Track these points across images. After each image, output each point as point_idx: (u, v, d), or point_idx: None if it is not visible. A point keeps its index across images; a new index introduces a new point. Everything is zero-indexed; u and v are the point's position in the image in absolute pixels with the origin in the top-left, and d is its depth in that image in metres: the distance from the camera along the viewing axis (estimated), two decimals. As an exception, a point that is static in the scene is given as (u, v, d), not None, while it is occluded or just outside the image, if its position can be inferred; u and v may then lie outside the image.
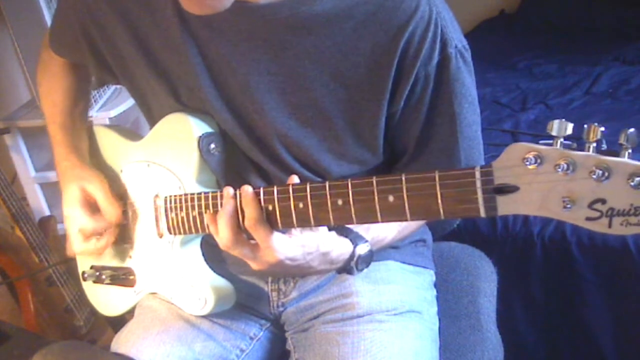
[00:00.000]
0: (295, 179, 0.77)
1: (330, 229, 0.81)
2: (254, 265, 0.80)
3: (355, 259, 0.83)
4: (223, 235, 0.78)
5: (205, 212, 0.85)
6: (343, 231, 0.84)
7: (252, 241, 0.79)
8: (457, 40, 0.84)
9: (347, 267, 0.85)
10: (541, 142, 0.58)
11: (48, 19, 1.79)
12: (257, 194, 0.77)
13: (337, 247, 0.82)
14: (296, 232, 0.78)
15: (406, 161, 0.92)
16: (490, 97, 2.21)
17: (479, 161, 0.91)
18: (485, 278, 1.15)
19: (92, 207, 0.99)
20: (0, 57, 2.10)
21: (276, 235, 0.77)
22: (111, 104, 1.98)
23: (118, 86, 1.97)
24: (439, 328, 1.00)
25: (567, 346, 1.56)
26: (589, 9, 2.91)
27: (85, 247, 0.99)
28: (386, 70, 0.83)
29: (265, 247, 0.77)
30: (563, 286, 1.51)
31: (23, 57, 1.86)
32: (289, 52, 0.84)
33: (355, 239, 0.84)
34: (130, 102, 1.97)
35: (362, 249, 0.84)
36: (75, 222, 0.99)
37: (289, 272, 0.89)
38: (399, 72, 0.83)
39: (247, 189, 0.77)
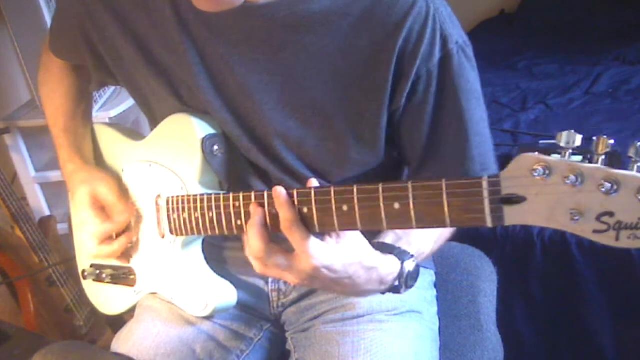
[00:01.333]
0: (314, 182, 0.74)
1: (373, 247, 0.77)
2: (291, 277, 0.74)
3: (404, 276, 0.79)
4: (255, 246, 0.74)
5: (208, 214, 0.84)
6: (386, 248, 0.79)
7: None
8: (458, 36, 0.83)
9: (395, 285, 0.80)
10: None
11: (48, 19, 1.79)
12: (291, 195, 0.73)
13: (385, 264, 0.77)
14: (331, 241, 0.74)
15: (417, 165, 0.89)
16: (490, 97, 2.22)
17: (491, 158, 0.89)
18: (485, 278, 1.15)
19: (103, 210, 0.98)
20: (0, 57, 2.10)
21: (313, 239, 0.72)
22: (111, 104, 1.98)
23: (118, 86, 1.97)
24: (439, 328, 1.00)
25: (567, 346, 1.56)
26: (589, 9, 2.91)
27: (99, 251, 0.98)
28: (385, 68, 0.82)
29: (301, 252, 0.72)
30: (563, 286, 1.51)
31: (23, 57, 1.86)
32: (288, 51, 0.83)
33: (401, 254, 0.79)
34: (130, 102, 1.97)
35: (410, 265, 0.79)
36: (87, 226, 0.98)
37: (330, 287, 0.77)
38: (399, 70, 0.82)
39: (281, 191, 0.73)
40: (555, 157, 0.56)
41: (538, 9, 3.08)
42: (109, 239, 0.98)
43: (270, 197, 0.74)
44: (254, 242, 0.74)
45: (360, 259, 0.74)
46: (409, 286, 0.80)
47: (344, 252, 0.73)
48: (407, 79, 0.82)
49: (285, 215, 0.72)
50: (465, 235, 1.50)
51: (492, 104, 2.16)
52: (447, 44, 0.82)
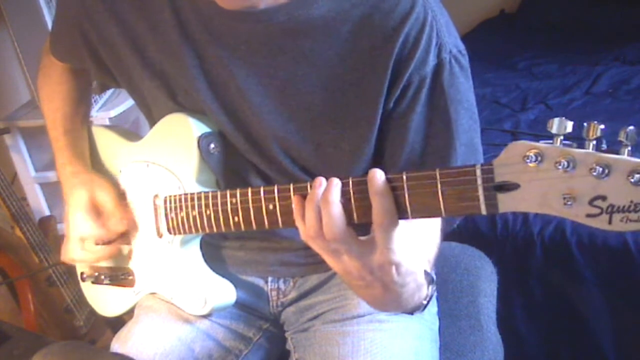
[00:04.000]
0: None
1: None
2: (349, 265, 0.68)
3: (428, 299, 0.76)
4: (333, 228, 0.65)
5: (206, 212, 0.84)
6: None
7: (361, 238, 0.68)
8: (452, 44, 0.83)
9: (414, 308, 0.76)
10: (541, 141, 0.58)
11: (48, 19, 1.79)
12: (391, 180, 0.65)
13: (426, 287, 0.74)
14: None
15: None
16: (490, 97, 2.21)
17: None
18: (485, 278, 1.15)
19: (97, 214, 0.98)
20: (0, 57, 2.10)
21: (397, 232, 0.66)
22: (111, 104, 1.99)
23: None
24: (439, 328, 1.00)
25: (567, 346, 1.56)
26: (589, 9, 2.91)
27: (83, 256, 0.98)
28: (382, 72, 0.81)
29: (384, 247, 0.65)
30: (563, 286, 1.51)
31: (23, 57, 1.87)
32: (287, 55, 0.83)
33: (429, 279, 0.75)
34: (130, 102, 1.97)
35: (433, 289, 0.76)
36: (78, 228, 0.97)
37: (372, 285, 0.70)
38: (394, 75, 0.82)
39: (380, 176, 0.65)
40: (547, 144, 0.57)
41: (538, 9, 3.08)
42: (98, 243, 0.97)
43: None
44: (332, 222, 0.66)
45: (418, 270, 0.72)
46: (423, 310, 0.77)
47: (411, 256, 0.69)
48: (400, 83, 0.81)
49: (382, 206, 0.64)
50: (465, 235, 1.51)
51: (492, 104, 2.16)
52: (442, 52, 0.81)
